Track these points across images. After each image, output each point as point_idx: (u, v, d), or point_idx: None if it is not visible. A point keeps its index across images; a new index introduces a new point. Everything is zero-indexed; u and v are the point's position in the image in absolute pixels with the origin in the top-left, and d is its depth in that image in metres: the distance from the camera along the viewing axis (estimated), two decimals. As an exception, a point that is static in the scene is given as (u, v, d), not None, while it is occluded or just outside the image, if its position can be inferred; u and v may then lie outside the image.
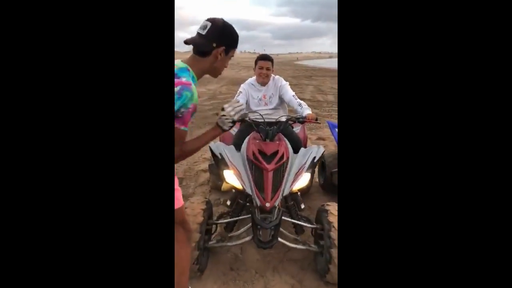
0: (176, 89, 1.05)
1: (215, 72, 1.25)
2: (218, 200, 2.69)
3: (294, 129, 2.47)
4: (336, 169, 2.56)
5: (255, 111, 2.36)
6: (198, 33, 1.17)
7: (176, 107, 1.05)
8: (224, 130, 1.30)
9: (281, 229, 1.73)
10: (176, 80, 1.08)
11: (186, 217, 1.39)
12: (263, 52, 2.67)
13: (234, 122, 1.30)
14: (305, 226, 1.87)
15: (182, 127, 1.10)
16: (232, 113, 1.29)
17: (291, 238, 1.91)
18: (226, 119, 1.28)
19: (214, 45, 1.16)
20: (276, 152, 1.80)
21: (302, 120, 2.13)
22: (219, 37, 1.17)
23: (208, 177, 3.07)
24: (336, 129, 2.54)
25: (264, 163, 1.73)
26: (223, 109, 1.30)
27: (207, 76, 1.26)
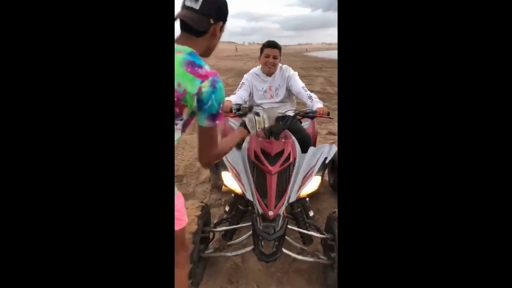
0: (208, 81, 0.91)
1: (208, 52, 1.04)
2: (219, 201, 2.50)
3: (302, 125, 2.23)
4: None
5: (259, 105, 2.12)
6: (189, 7, 0.93)
7: (216, 104, 0.93)
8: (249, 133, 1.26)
9: (286, 237, 1.52)
10: (202, 71, 0.92)
11: (186, 236, 1.21)
12: None
13: (263, 130, 1.28)
14: (314, 236, 1.65)
15: (218, 122, 0.98)
16: (266, 122, 1.26)
17: (298, 248, 1.69)
18: (259, 123, 1.23)
19: (212, 21, 0.95)
20: (282, 152, 1.57)
21: (312, 115, 1.89)
22: (216, 10, 0.96)
23: (210, 174, 2.87)
24: None
25: (268, 164, 1.52)
26: (257, 114, 1.25)
27: (210, 65, 1.06)
